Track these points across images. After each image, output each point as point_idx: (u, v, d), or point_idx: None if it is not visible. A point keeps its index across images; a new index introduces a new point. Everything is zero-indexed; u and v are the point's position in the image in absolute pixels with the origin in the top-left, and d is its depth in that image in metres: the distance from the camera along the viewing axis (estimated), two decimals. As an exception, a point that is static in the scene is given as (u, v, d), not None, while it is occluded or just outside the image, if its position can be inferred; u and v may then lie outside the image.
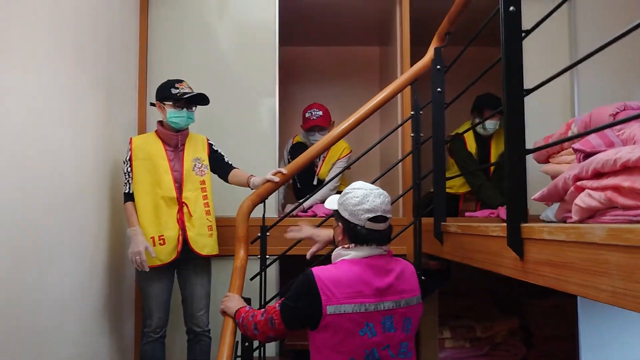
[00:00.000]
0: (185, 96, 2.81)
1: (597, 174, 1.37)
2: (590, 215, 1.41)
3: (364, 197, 1.96)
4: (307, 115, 3.83)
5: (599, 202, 1.34)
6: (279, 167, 3.55)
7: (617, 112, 2.63)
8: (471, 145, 3.80)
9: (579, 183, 1.44)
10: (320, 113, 3.79)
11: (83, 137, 2.66)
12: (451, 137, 3.62)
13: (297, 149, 3.88)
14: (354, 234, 1.98)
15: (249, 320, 2.14)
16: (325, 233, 2.40)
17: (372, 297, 1.91)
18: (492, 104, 3.68)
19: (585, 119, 2.80)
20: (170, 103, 2.83)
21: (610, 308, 3.30)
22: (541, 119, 3.52)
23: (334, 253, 2.06)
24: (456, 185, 3.86)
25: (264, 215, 2.84)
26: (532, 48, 3.52)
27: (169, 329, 3.02)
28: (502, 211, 3.46)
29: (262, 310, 2.11)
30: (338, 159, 3.80)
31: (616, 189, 1.26)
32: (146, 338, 2.90)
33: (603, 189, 1.32)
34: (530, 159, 3.26)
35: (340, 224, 2.03)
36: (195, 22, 3.58)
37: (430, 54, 2.81)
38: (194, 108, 2.90)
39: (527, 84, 3.68)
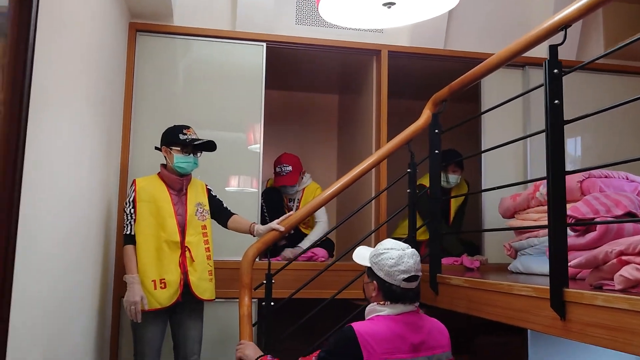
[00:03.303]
0: (194, 143, 2.86)
1: (642, 252, 1.66)
2: (633, 285, 1.69)
3: (399, 258, 2.11)
4: (277, 169, 3.94)
5: (647, 276, 1.62)
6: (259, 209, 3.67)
7: (583, 180, 3.02)
8: (434, 195, 4.10)
9: (623, 257, 1.72)
10: (289, 169, 3.88)
11: (92, 182, 2.63)
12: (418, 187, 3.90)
13: (270, 193, 3.98)
14: (389, 292, 2.12)
15: None
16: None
17: (407, 353, 2.05)
18: (456, 159, 4.01)
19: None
20: (178, 148, 2.86)
21: (559, 348, 3.67)
22: (499, 180, 3.91)
23: (368, 308, 2.19)
24: (418, 232, 4.13)
25: (269, 262, 2.93)
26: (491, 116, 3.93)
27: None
28: (465, 259, 3.77)
29: None
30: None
31: (667, 267, 1.55)
32: (137, 383, 2.86)
33: (652, 265, 1.60)
34: (494, 213, 3.64)
35: (374, 281, 2.17)
36: (181, 65, 3.63)
37: (424, 117, 3.06)
38: (199, 154, 2.95)
39: (487, 136, 4.04)
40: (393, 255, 2.12)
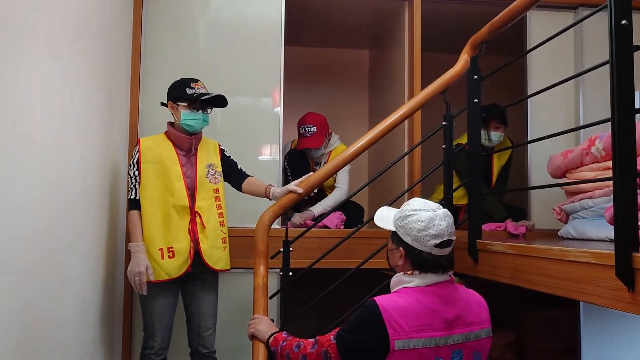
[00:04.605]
0: (202, 97, 2.57)
1: None
2: None
3: (429, 221, 1.79)
4: (301, 130, 3.62)
5: None
6: (281, 172, 3.37)
7: (649, 130, 2.61)
8: (474, 156, 3.73)
9: None
10: (314, 130, 3.55)
11: (87, 138, 2.38)
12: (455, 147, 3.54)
13: (294, 155, 3.69)
14: (419, 260, 1.81)
15: (294, 352, 1.93)
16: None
17: (441, 330, 1.74)
18: (498, 115, 3.61)
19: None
20: (185, 104, 2.58)
21: (618, 324, 3.30)
22: (546, 130, 3.49)
23: (393, 279, 1.89)
24: (456, 196, 3.76)
25: (286, 228, 2.65)
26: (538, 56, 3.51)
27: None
28: (509, 225, 3.41)
29: (312, 341, 1.91)
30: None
31: None
32: (147, 361, 2.64)
33: None
34: (543, 171, 3.24)
35: (401, 248, 1.86)
36: (193, 18, 3.32)
37: (461, 62, 2.70)
38: (209, 110, 2.66)
39: (533, 88, 3.60)
40: (422, 217, 1.80)
